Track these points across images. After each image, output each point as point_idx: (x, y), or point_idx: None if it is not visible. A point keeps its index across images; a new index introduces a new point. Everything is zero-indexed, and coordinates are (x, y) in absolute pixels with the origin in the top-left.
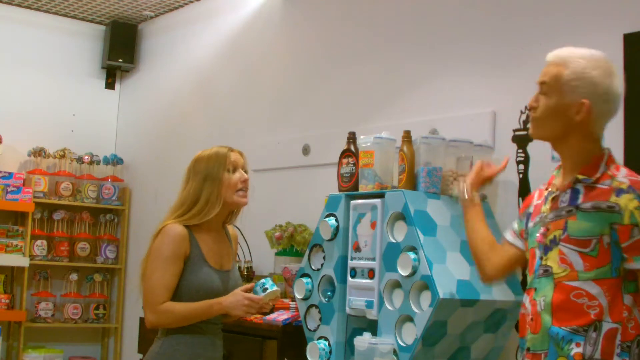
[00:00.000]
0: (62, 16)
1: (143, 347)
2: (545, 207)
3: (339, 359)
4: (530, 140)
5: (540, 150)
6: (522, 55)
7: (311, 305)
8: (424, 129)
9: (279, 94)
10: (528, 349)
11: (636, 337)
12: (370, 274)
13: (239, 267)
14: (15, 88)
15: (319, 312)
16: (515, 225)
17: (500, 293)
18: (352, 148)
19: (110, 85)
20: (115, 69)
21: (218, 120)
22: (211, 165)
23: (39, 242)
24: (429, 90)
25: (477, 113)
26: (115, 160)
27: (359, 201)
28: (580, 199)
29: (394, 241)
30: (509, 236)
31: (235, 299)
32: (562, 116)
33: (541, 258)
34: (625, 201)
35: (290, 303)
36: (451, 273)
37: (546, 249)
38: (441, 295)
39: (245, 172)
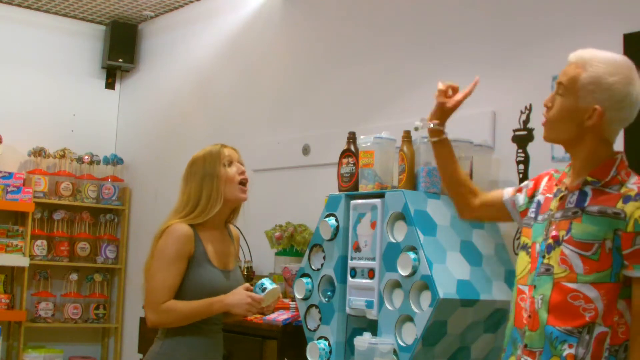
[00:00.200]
0: (62, 16)
1: (143, 347)
2: (554, 205)
3: (339, 359)
4: (530, 140)
5: (540, 150)
6: (522, 55)
7: (311, 305)
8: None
9: (279, 94)
10: (525, 346)
11: (624, 342)
12: (370, 274)
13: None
14: (15, 88)
15: (319, 312)
16: (520, 200)
17: (500, 293)
18: (352, 148)
19: (110, 85)
20: (115, 69)
21: (218, 120)
22: (207, 163)
23: (39, 242)
24: (429, 90)
25: (477, 113)
26: (115, 160)
27: (359, 201)
28: (587, 202)
29: (394, 241)
30: (506, 195)
31: (238, 297)
32: (575, 119)
33: (543, 257)
34: (631, 208)
35: (290, 303)
36: (451, 273)
37: (549, 248)
38: (441, 295)
39: (242, 165)
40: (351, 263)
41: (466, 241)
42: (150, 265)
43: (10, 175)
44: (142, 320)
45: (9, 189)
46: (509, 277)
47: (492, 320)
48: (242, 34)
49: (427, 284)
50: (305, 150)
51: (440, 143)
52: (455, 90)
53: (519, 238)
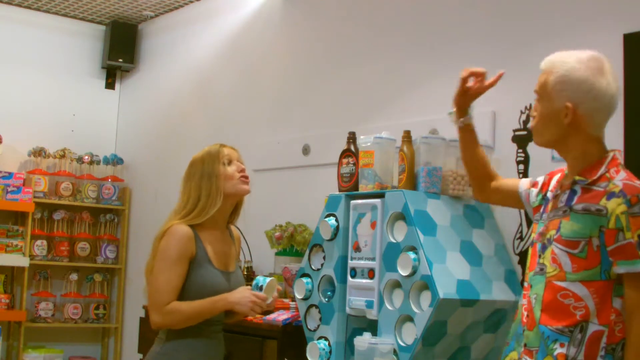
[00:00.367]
0: (62, 16)
1: (143, 347)
2: (550, 205)
3: (339, 359)
4: (530, 140)
5: (540, 150)
6: (522, 55)
7: (311, 305)
8: (424, 129)
9: (279, 94)
10: (525, 345)
11: (622, 340)
12: (370, 274)
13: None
14: (15, 88)
15: (319, 312)
16: (533, 196)
17: (500, 293)
18: (352, 148)
19: (110, 85)
20: (115, 69)
21: (218, 120)
22: (206, 163)
23: (39, 242)
24: (429, 90)
25: (477, 113)
26: (115, 160)
27: (359, 201)
28: (575, 200)
29: (394, 241)
30: (522, 187)
31: (241, 295)
32: (554, 122)
33: (539, 256)
34: (613, 205)
35: (290, 303)
36: (451, 273)
37: (543, 248)
38: (441, 295)
39: (242, 164)
40: (351, 263)
41: (466, 241)
42: (152, 267)
43: (10, 175)
44: (142, 320)
45: (9, 189)
46: (509, 277)
47: (492, 320)
48: (242, 34)
49: (427, 284)
50: (305, 150)
51: (466, 128)
52: (479, 75)
53: (519, 238)
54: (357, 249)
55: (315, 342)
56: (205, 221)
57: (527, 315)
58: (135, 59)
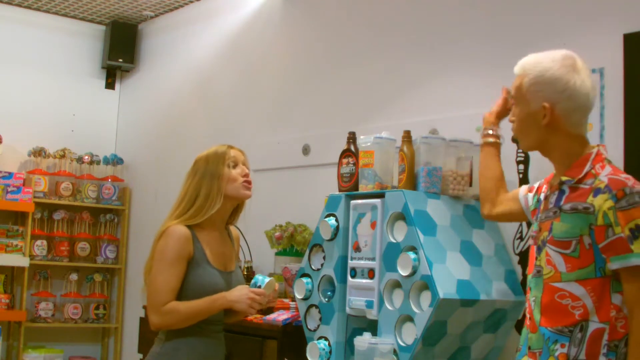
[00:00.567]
0: (62, 16)
1: (143, 347)
2: (542, 206)
3: (339, 359)
4: None
5: None
6: (522, 55)
7: (311, 305)
8: (424, 129)
9: (279, 94)
10: (529, 348)
11: (625, 336)
12: (370, 274)
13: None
14: (15, 88)
15: (319, 312)
16: (530, 199)
17: (500, 293)
18: (352, 148)
19: (110, 85)
20: (115, 69)
21: (218, 120)
22: (210, 162)
23: (39, 242)
24: (429, 90)
25: (477, 113)
26: (115, 160)
27: (359, 201)
28: (563, 200)
29: (394, 241)
30: (521, 192)
31: (239, 293)
32: (533, 124)
33: (536, 258)
34: (599, 202)
35: (290, 303)
36: (451, 273)
37: (539, 250)
38: (441, 295)
39: (247, 168)
40: (351, 263)
41: (466, 241)
42: (150, 268)
43: (10, 175)
44: (142, 320)
45: (9, 189)
46: (509, 277)
47: (492, 320)
48: (242, 34)
49: (427, 284)
50: (305, 150)
51: (495, 143)
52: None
53: (519, 238)
54: (357, 249)
55: (315, 342)
56: (203, 221)
57: (530, 318)
58: (135, 59)
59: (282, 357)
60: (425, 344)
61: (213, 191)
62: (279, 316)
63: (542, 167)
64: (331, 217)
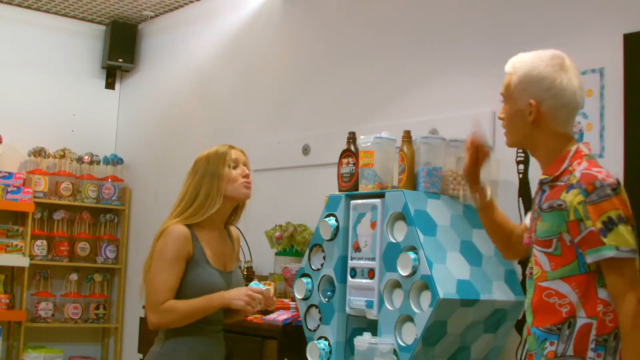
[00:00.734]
0: (62, 16)
1: (143, 347)
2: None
3: (339, 359)
4: None
5: None
6: None
7: (311, 305)
8: (424, 129)
9: (279, 94)
10: (527, 350)
11: (614, 330)
12: (370, 274)
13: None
14: (15, 88)
15: (319, 312)
16: (527, 218)
17: (500, 293)
18: (352, 148)
19: (110, 85)
20: (115, 69)
21: (218, 120)
22: (211, 162)
23: (39, 242)
24: (429, 90)
25: (477, 113)
26: (115, 160)
27: (359, 201)
28: (543, 199)
29: (394, 241)
30: (527, 220)
31: (238, 291)
32: (520, 121)
33: (529, 260)
34: (570, 197)
35: (290, 303)
36: (451, 273)
37: (530, 252)
38: (441, 295)
39: (248, 169)
40: (351, 263)
41: (466, 241)
42: (150, 266)
43: (10, 175)
44: (142, 320)
45: (9, 189)
46: (509, 277)
47: (492, 320)
48: (242, 34)
49: (427, 284)
50: (305, 150)
51: (488, 207)
52: (479, 144)
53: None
54: (357, 249)
55: (315, 342)
56: (202, 221)
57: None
58: (135, 59)
59: (282, 357)
60: (425, 344)
61: (213, 191)
62: (279, 316)
63: None
64: (331, 217)
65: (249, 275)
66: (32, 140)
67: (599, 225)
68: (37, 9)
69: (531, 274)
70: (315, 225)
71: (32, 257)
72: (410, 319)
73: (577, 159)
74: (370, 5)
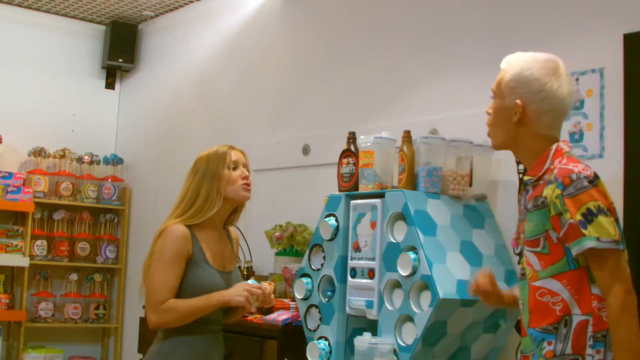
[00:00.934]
0: (62, 16)
1: (143, 347)
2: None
3: (339, 359)
4: None
5: None
6: None
7: (311, 305)
8: (424, 129)
9: (279, 94)
10: (521, 352)
11: None
12: (370, 274)
13: (239, 267)
14: (15, 88)
15: (319, 312)
16: None
17: None
18: (352, 148)
19: (110, 85)
20: (115, 69)
21: (218, 120)
22: (211, 163)
23: (39, 242)
24: (429, 90)
25: (477, 113)
26: (115, 160)
27: (359, 201)
28: (527, 199)
29: (394, 241)
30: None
31: (235, 288)
32: (505, 118)
33: (519, 262)
34: (549, 192)
35: (290, 303)
36: (451, 273)
37: (521, 253)
38: (441, 295)
39: (247, 170)
40: (351, 263)
41: (466, 241)
42: (149, 266)
43: (10, 175)
44: (142, 320)
45: (9, 189)
46: (509, 277)
47: (492, 320)
48: (242, 34)
49: (427, 284)
50: (305, 150)
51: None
52: (486, 286)
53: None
54: (357, 249)
55: (315, 342)
56: (202, 221)
57: (521, 322)
58: (135, 59)
59: (282, 357)
60: (425, 344)
61: (212, 192)
62: (279, 316)
63: None
64: (331, 217)
65: (249, 275)
66: (32, 140)
67: (578, 217)
68: (37, 9)
69: (524, 274)
70: (315, 225)
71: (32, 257)
72: (410, 319)
73: (558, 157)
74: (370, 5)
